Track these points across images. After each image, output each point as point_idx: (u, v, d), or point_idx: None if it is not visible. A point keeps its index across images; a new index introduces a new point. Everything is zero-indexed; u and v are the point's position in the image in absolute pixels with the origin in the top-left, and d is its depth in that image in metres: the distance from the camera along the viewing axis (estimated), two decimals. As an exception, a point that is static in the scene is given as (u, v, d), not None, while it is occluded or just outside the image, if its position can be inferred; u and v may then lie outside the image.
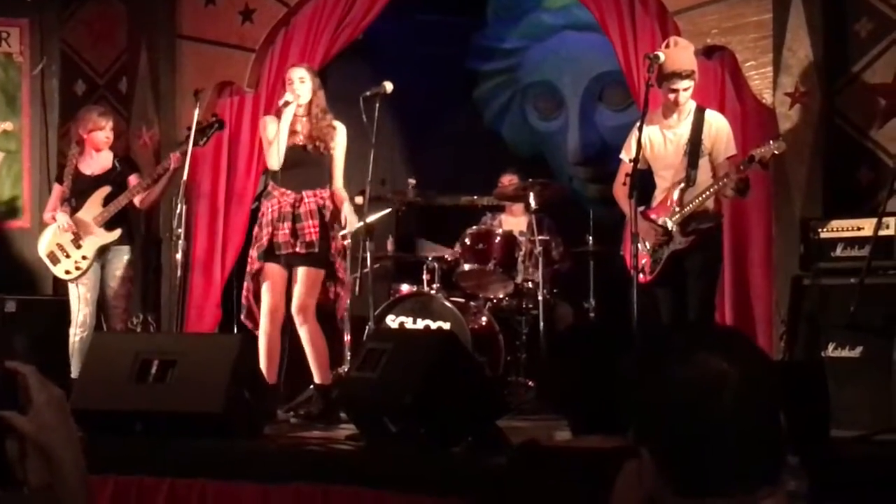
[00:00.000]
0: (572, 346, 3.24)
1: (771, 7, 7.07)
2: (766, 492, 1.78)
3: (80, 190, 8.00)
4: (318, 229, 6.99)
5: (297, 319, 7.00)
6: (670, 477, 1.81)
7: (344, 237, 7.16)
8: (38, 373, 1.75)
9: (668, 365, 1.82)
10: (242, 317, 7.25)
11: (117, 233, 7.95)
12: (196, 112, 7.52)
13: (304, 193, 7.05)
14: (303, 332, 7.01)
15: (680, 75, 6.62)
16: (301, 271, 7.01)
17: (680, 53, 6.65)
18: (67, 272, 7.93)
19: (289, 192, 7.06)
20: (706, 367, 1.79)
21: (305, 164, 7.09)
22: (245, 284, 7.22)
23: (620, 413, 1.83)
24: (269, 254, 7.04)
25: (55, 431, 1.73)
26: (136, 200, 7.99)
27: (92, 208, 7.95)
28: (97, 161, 8.09)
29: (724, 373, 1.78)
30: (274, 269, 7.05)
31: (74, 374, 7.40)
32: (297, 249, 6.97)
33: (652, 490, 1.84)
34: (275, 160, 7.05)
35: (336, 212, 7.11)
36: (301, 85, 7.12)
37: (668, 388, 1.79)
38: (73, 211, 7.96)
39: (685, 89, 6.68)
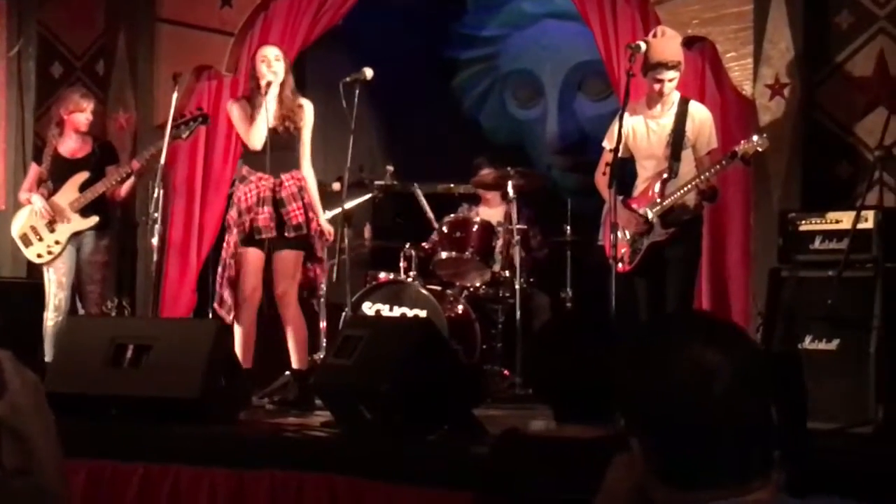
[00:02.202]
0: (558, 336, 3.23)
1: (752, -2, 7.07)
2: (757, 484, 1.77)
3: (58, 173, 7.92)
4: (302, 211, 6.95)
5: (279, 304, 6.96)
6: (660, 468, 1.79)
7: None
8: (13, 358, 1.73)
9: (660, 355, 1.80)
10: (215, 304, 7.17)
11: (93, 220, 7.87)
12: (175, 96, 7.44)
13: (282, 177, 6.97)
14: (285, 317, 6.97)
15: (666, 65, 6.60)
16: (282, 255, 6.97)
17: (667, 43, 6.64)
18: (39, 256, 7.87)
19: (266, 175, 6.96)
20: (699, 358, 1.77)
21: (277, 147, 6.95)
22: (219, 271, 7.14)
23: (606, 402, 1.82)
24: (249, 239, 6.98)
25: (29, 416, 1.71)
26: (119, 191, 7.92)
27: (68, 193, 7.88)
28: (76, 144, 8.01)
29: (717, 364, 1.76)
30: (253, 254, 6.97)
31: (48, 358, 7.35)
32: (286, 234, 6.91)
33: (642, 481, 1.83)
34: (257, 139, 6.92)
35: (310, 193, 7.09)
36: (277, 63, 7.00)
37: (660, 379, 1.78)
38: (50, 194, 7.89)
39: (670, 80, 6.67)
